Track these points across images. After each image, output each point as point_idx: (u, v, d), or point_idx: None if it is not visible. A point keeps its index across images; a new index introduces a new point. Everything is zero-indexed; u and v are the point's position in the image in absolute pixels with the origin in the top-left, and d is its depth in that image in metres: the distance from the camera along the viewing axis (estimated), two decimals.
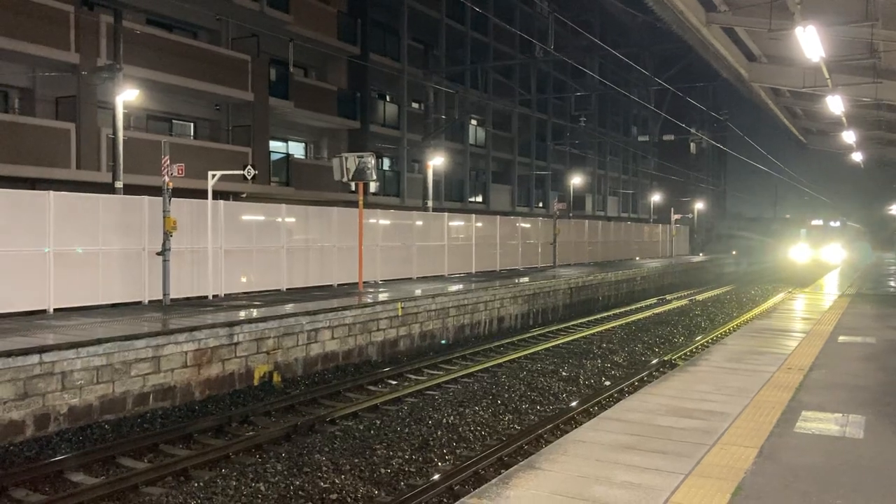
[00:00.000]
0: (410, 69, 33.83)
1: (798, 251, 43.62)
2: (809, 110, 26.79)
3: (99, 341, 10.96)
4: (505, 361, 16.72)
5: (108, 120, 18.54)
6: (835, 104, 18.70)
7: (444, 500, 8.45)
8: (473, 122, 40.74)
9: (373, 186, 27.88)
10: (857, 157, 33.61)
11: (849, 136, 26.11)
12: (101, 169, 19.54)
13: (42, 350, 10.26)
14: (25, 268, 13.69)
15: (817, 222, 45.00)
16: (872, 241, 72.65)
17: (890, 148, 32.68)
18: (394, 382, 14.47)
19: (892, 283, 27.72)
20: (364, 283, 20.01)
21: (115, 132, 16.89)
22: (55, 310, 14.07)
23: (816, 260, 42.44)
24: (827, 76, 16.89)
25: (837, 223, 45.39)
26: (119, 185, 16.77)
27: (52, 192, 14.31)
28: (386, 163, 34.37)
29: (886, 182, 62.23)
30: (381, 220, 22.68)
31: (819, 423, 6.86)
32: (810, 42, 12.75)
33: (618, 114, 58.86)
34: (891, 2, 12.23)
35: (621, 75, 50.77)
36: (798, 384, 8.51)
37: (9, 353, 9.87)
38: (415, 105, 35.97)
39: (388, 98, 34.13)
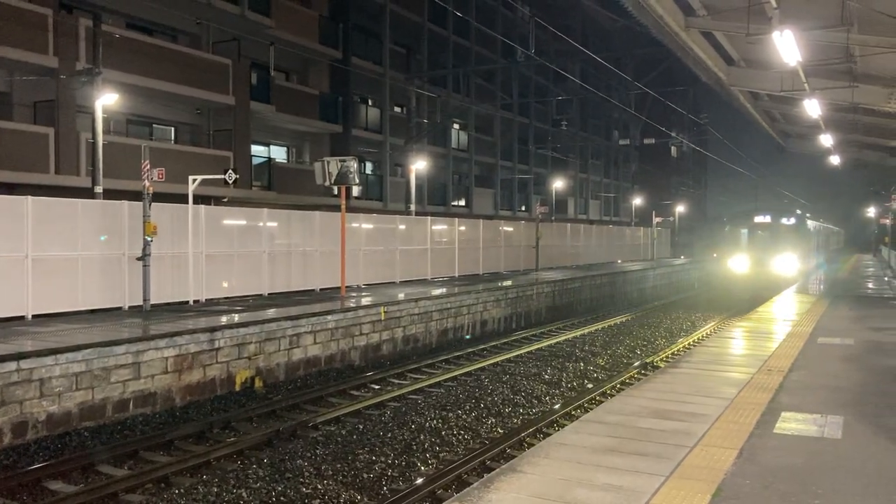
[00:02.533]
0: (392, 73, 33.80)
1: (738, 262, 30.12)
2: (787, 114, 27.06)
3: (78, 347, 10.86)
4: (488, 365, 16.73)
5: (87, 124, 18.38)
6: (812, 108, 18.89)
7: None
8: (456, 125, 40.78)
9: (355, 190, 27.90)
10: (834, 159, 33.96)
11: (826, 140, 26.39)
12: (80, 174, 19.34)
13: (20, 357, 10.15)
14: (3, 274, 13.53)
15: (762, 219, 30.69)
16: (850, 243, 73.11)
17: (866, 151, 33.08)
18: (377, 387, 14.44)
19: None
20: (347, 287, 19.95)
21: (94, 136, 16.76)
22: (34, 316, 13.91)
23: (762, 272, 29.25)
24: (804, 80, 17.07)
25: (792, 220, 30.84)
26: (99, 189, 16.64)
27: (30, 198, 14.16)
28: (368, 167, 34.31)
29: (864, 184, 62.88)
30: (363, 224, 22.64)
31: (798, 423, 6.92)
32: (787, 46, 12.88)
33: (599, 118, 59.16)
34: (866, 7, 12.38)
35: (602, 79, 51.04)
36: (778, 385, 8.58)
37: None
38: (397, 109, 35.94)
39: (370, 102, 34.07)
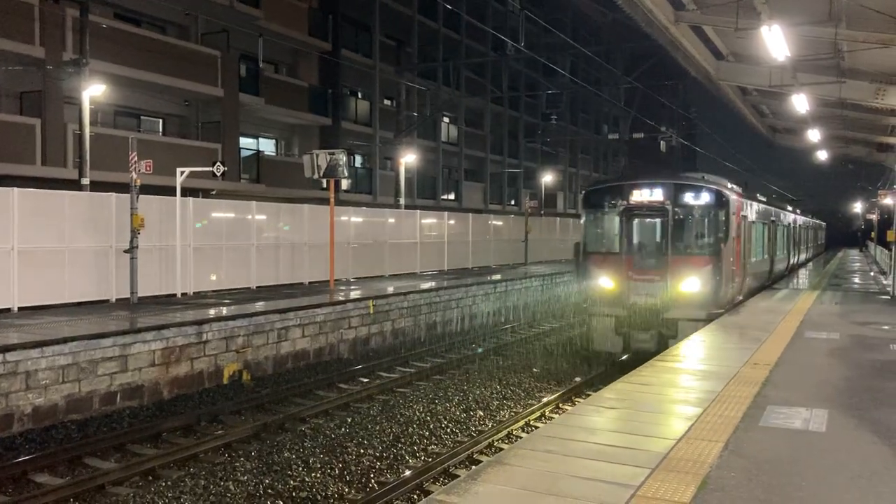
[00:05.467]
0: (382, 66, 33.72)
1: (595, 281, 15.84)
2: (776, 109, 27.15)
3: (64, 340, 10.81)
4: (477, 357, 16.76)
5: (74, 115, 18.24)
6: (800, 103, 18.97)
7: (415, 496, 8.47)
8: (446, 119, 40.73)
9: (344, 184, 27.81)
10: (822, 155, 34.14)
11: (814, 135, 26.51)
12: (67, 165, 19.22)
13: (5, 349, 10.08)
14: None
15: (646, 194, 15.58)
16: (837, 238, 72.58)
17: (853, 146, 33.23)
18: (365, 380, 14.44)
19: None
20: (336, 280, 19.93)
21: (81, 128, 16.65)
22: (20, 308, 13.83)
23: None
24: (792, 75, 17.14)
25: (706, 196, 15.25)
26: (86, 181, 16.55)
27: (16, 189, 14.06)
28: (358, 160, 34.24)
29: (851, 180, 63.28)
30: (352, 218, 22.60)
31: (783, 417, 6.96)
32: (775, 41, 12.93)
33: (589, 112, 59.24)
34: (854, 2, 12.43)
35: (592, 74, 51.09)
36: (764, 379, 8.62)
37: None
38: (387, 102, 35.87)
39: (359, 95, 33.99)
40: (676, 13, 15.47)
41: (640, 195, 15.59)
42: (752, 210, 18.33)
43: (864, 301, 18.75)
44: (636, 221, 15.76)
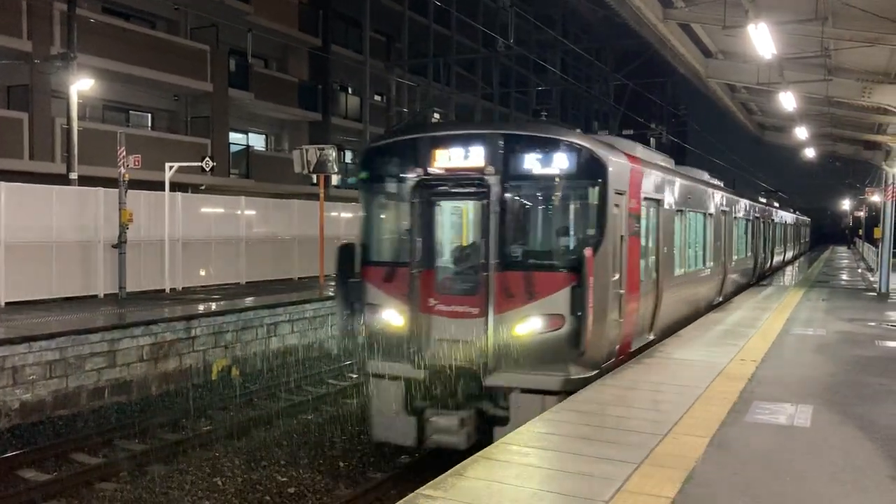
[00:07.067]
0: (373, 61, 33.65)
1: (364, 311, 9.09)
2: (764, 106, 27.26)
3: (52, 335, 10.78)
4: None
5: (62, 110, 18.15)
6: (787, 100, 19.05)
7: (402, 491, 8.48)
8: (436, 115, 40.69)
9: (334, 179, 27.73)
10: (809, 152, 34.29)
11: (801, 132, 26.64)
12: (55, 160, 19.12)
13: None
14: None
15: (454, 159, 8.45)
16: (826, 235, 73.09)
17: (840, 144, 33.40)
18: (354, 375, 14.44)
19: None
20: (325, 276, 19.90)
21: (69, 122, 16.58)
22: (7, 303, 13.77)
23: None
24: (780, 73, 17.21)
25: (567, 161, 8.13)
26: (74, 176, 16.48)
27: (3, 183, 13.99)
28: (348, 155, 34.17)
29: (839, 177, 63.67)
30: (342, 213, 22.57)
31: (769, 413, 7.01)
32: (762, 39, 12.98)
33: (578, 108, 59.30)
34: (840, 1, 12.50)
35: (582, 70, 51.16)
36: (751, 375, 8.68)
37: None
38: (377, 97, 35.80)
39: (349, 90, 33.91)
40: (665, 11, 15.50)
41: (447, 158, 8.59)
42: (674, 192, 11.79)
43: (851, 297, 18.86)
44: (439, 206, 8.96)
